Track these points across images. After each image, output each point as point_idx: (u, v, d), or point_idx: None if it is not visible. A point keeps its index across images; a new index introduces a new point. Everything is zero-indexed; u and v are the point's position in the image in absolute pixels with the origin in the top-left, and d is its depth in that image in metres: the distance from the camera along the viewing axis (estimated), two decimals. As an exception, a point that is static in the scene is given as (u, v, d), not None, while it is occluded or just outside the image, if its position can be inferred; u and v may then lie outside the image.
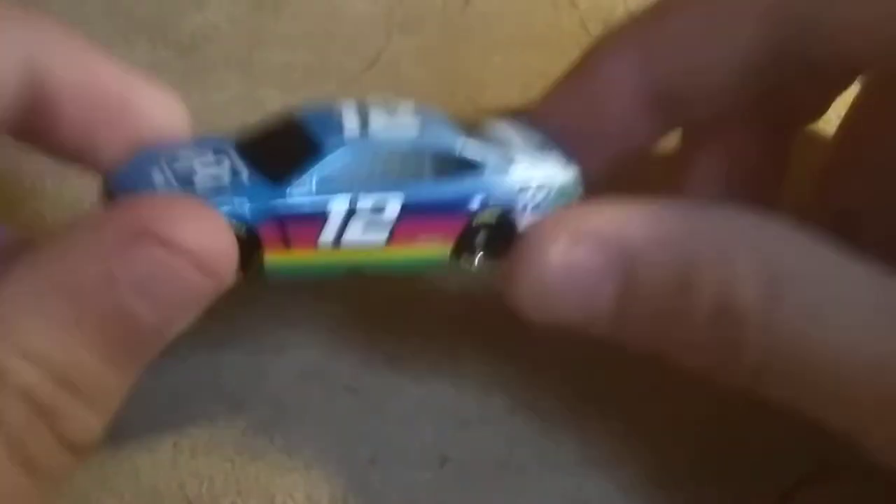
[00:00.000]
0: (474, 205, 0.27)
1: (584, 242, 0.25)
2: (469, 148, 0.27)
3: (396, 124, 0.27)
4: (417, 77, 0.37)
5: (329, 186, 0.25)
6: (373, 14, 0.37)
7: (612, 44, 0.30)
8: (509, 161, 0.27)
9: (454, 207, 0.27)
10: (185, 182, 0.25)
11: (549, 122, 0.30)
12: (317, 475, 0.28)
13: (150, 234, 0.22)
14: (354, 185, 0.26)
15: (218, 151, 0.26)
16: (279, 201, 0.25)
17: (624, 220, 0.25)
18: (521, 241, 0.26)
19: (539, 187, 0.28)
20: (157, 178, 0.25)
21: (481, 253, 0.28)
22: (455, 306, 0.32)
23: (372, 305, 0.32)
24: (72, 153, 0.26)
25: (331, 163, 0.25)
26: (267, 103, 0.36)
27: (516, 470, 0.29)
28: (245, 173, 0.25)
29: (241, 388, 0.30)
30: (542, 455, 0.29)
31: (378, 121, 0.27)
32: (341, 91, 0.36)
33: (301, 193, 0.25)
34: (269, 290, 0.31)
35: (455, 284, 0.32)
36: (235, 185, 0.25)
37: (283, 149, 0.26)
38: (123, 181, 0.25)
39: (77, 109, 0.25)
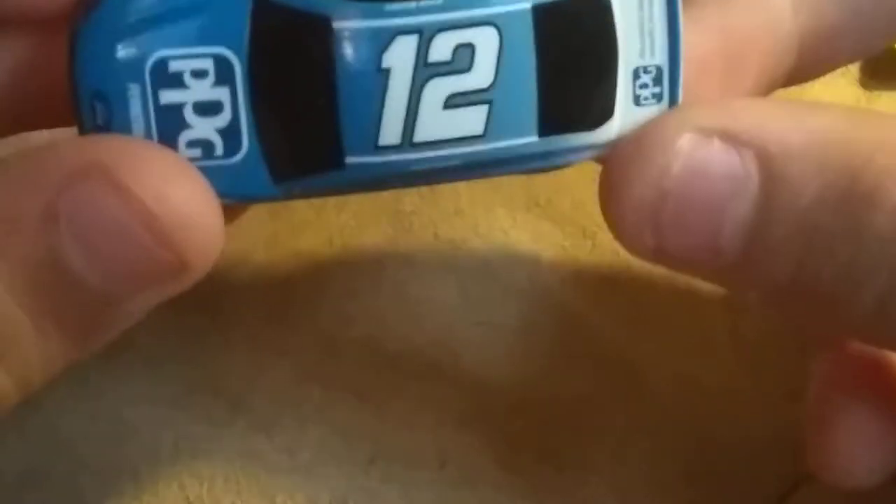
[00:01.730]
0: None
1: (717, 140, 0.20)
2: None
3: None
4: (417, 77, 0.37)
5: None
6: (372, 14, 0.37)
7: None
8: None
9: None
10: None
11: None
12: (317, 475, 0.28)
13: (102, 171, 0.18)
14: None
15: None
16: None
17: (765, 116, 0.20)
18: (626, 139, 0.21)
19: None
20: (134, 108, 0.19)
21: None
22: (456, 305, 0.32)
23: (372, 305, 0.32)
24: None
25: None
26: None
27: (516, 470, 0.29)
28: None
29: (241, 388, 0.30)
30: (542, 455, 0.29)
31: None
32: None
33: None
34: (269, 290, 0.31)
35: (455, 283, 0.32)
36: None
37: None
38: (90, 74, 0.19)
39: None
